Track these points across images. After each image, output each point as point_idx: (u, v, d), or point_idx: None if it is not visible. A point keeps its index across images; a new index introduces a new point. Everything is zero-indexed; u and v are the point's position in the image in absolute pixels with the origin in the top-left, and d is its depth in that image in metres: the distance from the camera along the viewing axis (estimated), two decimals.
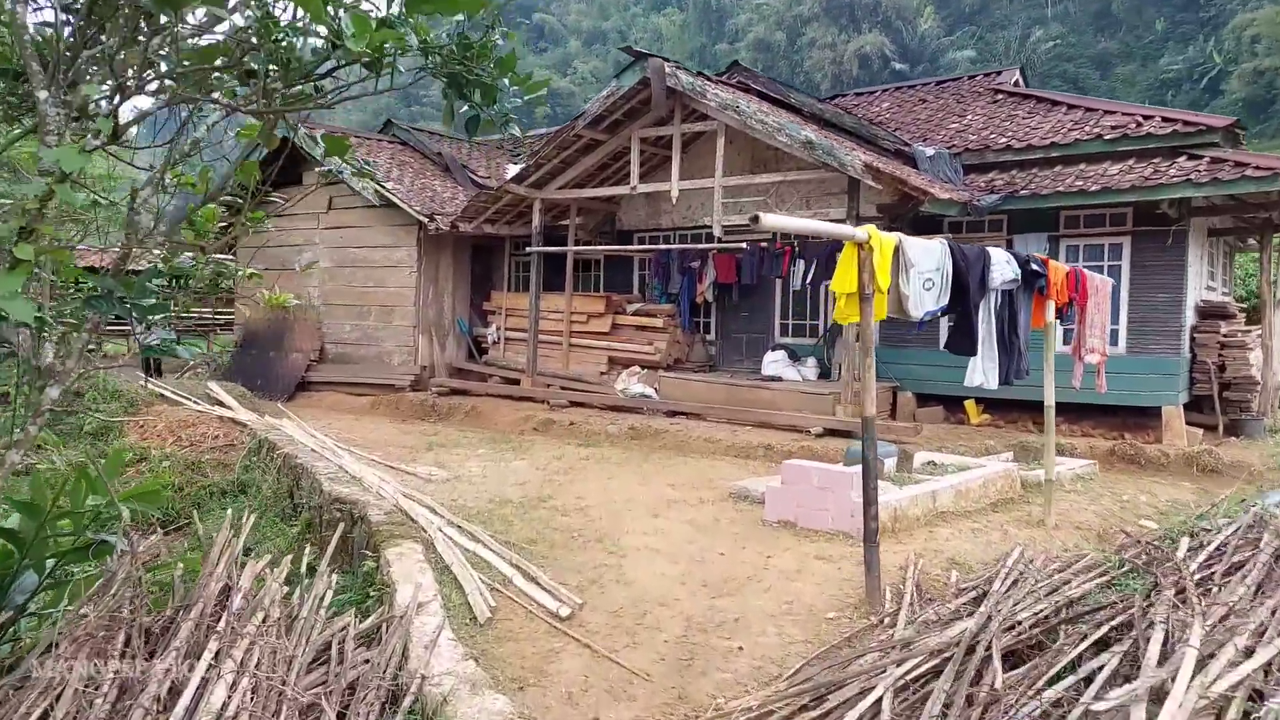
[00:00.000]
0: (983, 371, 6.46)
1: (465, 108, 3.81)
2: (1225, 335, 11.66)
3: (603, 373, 14.41)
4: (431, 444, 10.74)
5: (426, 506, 7.16)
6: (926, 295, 5.38)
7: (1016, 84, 15.89)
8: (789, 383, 12.59)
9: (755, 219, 4.14)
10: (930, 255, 5.38)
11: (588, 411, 13.00)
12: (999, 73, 16.56)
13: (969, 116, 13.98)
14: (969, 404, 12.25)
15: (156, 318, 2.87)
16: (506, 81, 3.70)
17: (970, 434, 11.44)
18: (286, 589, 4.19)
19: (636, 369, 13.93)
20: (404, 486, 7.93)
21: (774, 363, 13.17)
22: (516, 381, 14.88)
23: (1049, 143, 11.84)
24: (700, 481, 8.64)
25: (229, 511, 5.18)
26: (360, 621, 4.42)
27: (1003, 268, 6.15)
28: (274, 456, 9.26)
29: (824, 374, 13.35)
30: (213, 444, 11.05)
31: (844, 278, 4.83)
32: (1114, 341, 11.26)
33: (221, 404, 12.36)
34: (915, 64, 37.83)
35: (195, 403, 12.23)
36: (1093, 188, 10.79)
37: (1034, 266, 6.60)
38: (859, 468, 6.49)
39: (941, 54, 39.68)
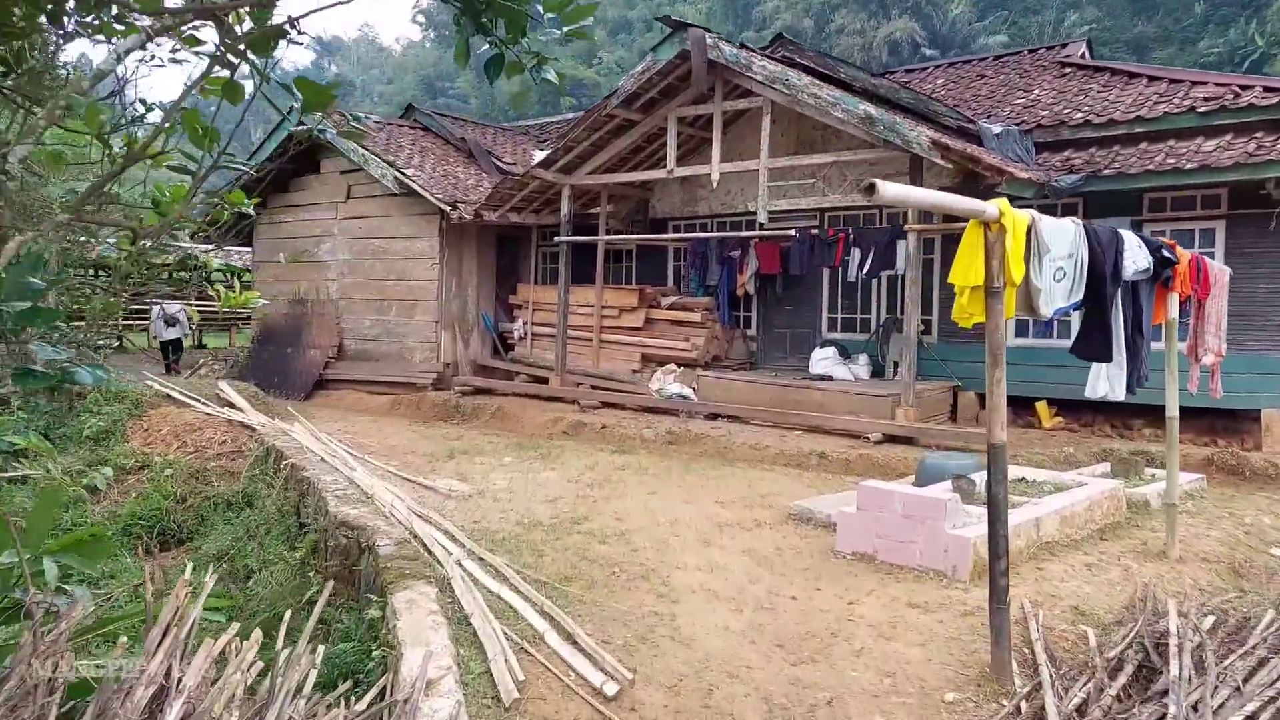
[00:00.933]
0: (1107, 379, 5.44)
1: (485, 45, 2.88)
2: None
3: (635, 370, 13.46)
4: (453, 451, 9.85)
5: (445, 532, 6.26)
6: (1057, 288, 4.36)
7: (1083, 57, 14.66)
8: (840, 382, 11.56)
9: (870, 188, 3.15)
10: (1063, 238, 4.35)
11: (620, 413, 12.06)
12: (1064, 45, 15.32)
13: (1036, 91, 12.81)
14: (1040, 406, 11.15)
15: (39, 328, 1.95)
16: (540, 7, 2.75)
17: (1043, 439, 10.36)
18: (261, 666, 3.28)
19: (672, 367, 12.96)
20: (420, 505, 7.04)
21: (823, 360, 12.14)
22: (544, 380, 13.97)
23: (1133, 117, 10.67)
24: (752, 498, 7.66)
25: (188, 568, 4.30)
26: (355, 700, 3.51)
27: (1135, 254, 5.12)
28: (281, 467, 8.41)
29: (877, 372, 12.30)
30: (219, 450, 10.25)
31: (966, 267, 3.83)
32: None
33: (232, 405, 11.57)
34: (946, 49, 36.37)
35: (204, 404, 11.45)
36: (1188, 165, 9.64)
37: (1165, 253, 5.54)
38: (949, 493, 5.49)
39: (973, 39, 38.15)
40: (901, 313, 12.37)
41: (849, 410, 10.65)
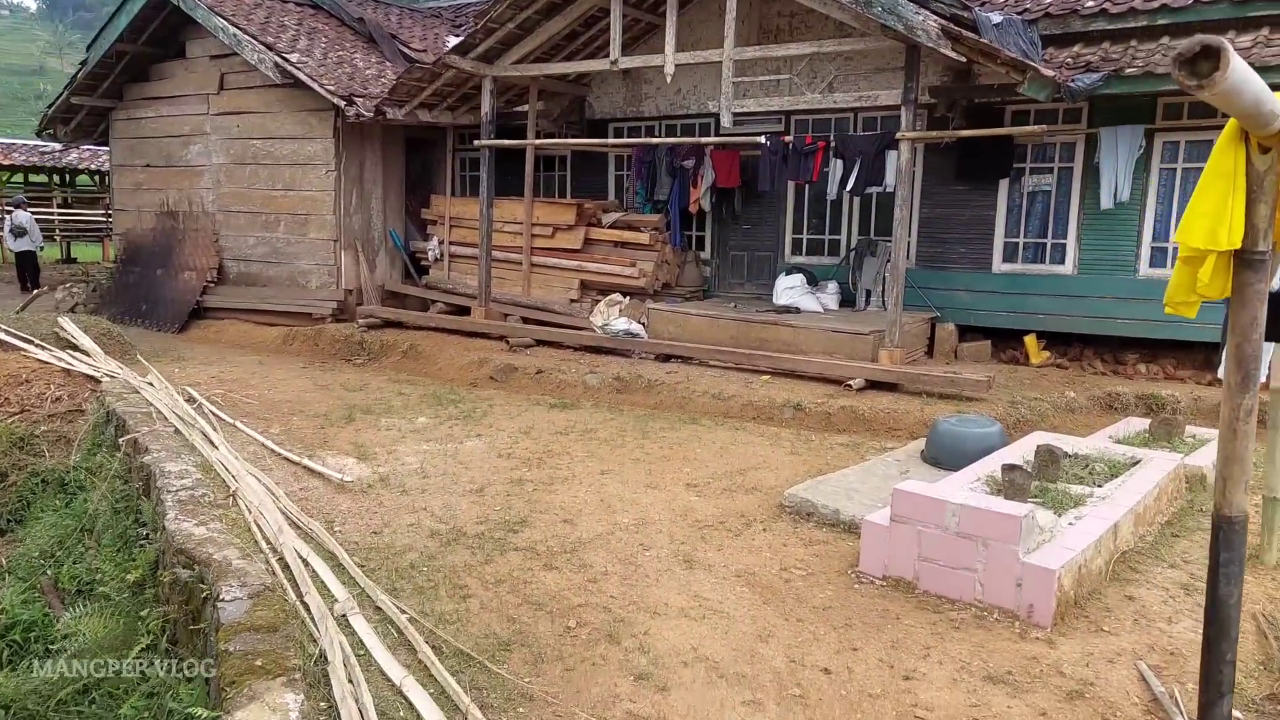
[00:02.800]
0: None
1: None
2: None
3: (574, 300, 11.69)
4: (353, 410, 8.02)
5: (326, 556, 4.56)
6: None
7: None
8: (810, 316, 10.06)
9: (1204, 58, 1.50)
10: None
11: (558, 354, 10.35)
12: None
13: None
14: (1029, 340, 9.91)
15: None
16: None
17: (1035, 379, 9.14)
18: None
19: (617, 297, 11.24)
20: (302, 503, 5.30)
21: (789, 289, 10.59)
22: (466, 311, 12.10)
23: (1158, 5, 9.12)
24: (729, 476, 6.15)
25: None
26: None
27: None
28: (121, 443, 6.50)
29: (847, 301, 10.85)
30: (53, 409, 8.21)
31: (1212, 213, 2.23)
32: None
33: (75, 348, 9.41)
34: None
35: (39, 347, 9.27)
36: None
37: None
38: (1024, 506, 4.05)
39: None
40: (878, 234, 10.88)
41: (824, 350, 9.19)
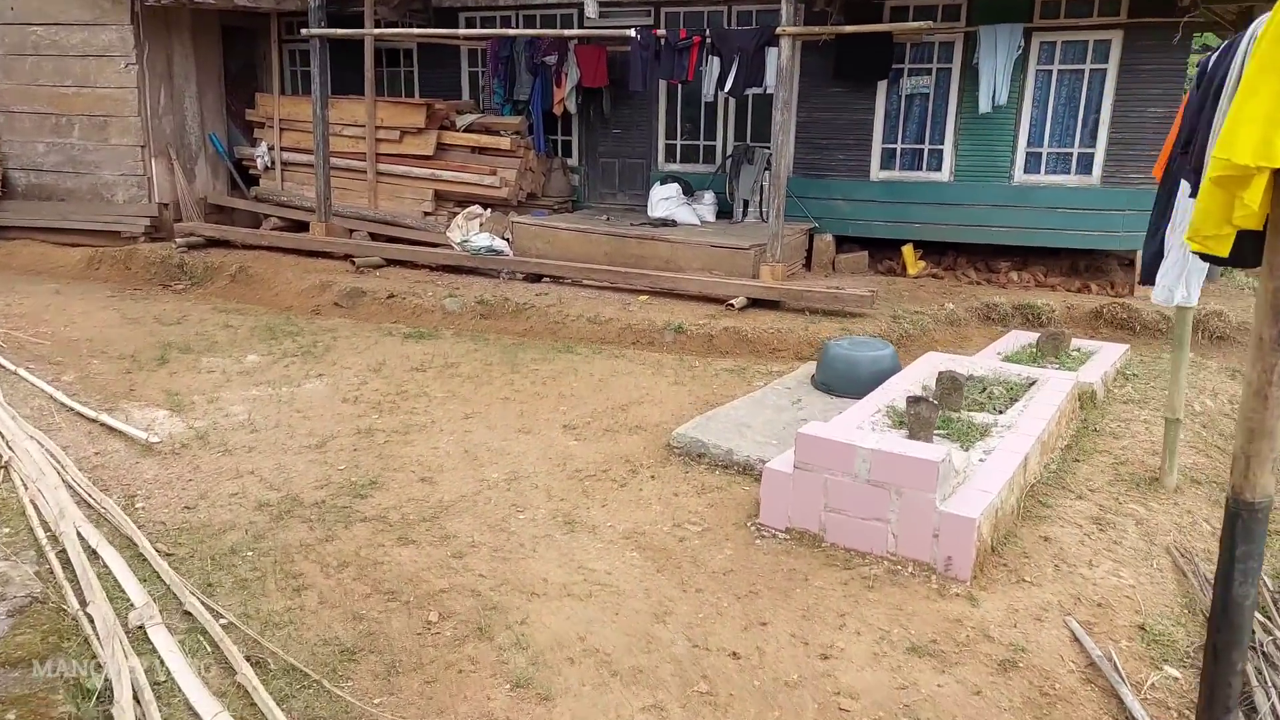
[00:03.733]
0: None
1: None
2: None
3: (428, 214, 10.61)
4: (168, 350, 6.87)
5: (124, 544, 3.69)
6: None
7: None
8: (688, 229, 9.47)
9: None
10: None
11: (412, 275, 9.34)
12: None
13: None
14: (907, 250, 9.73)
15: None
16: None
17: (913, 290, 8.98)
18: None
19: (477, 210, 10.25)
20: (91, 477, 4.34)
21: (665, 200, 9.92)
22: (305, 226, 10.79)
23: None
24: (610, 413, 5.57)
25: None
26: None
27: None
28: None
29: (724, 213, 10.31)
30: None
31: (1258, 119, 1.68)
32: (1086, 168, 8.92)
33: None
34: None
35: None
36: None
37: None
38: (939, 449, 3.67)
39: None
40: (755, 140, 10.31)
41: (703, 266, 8.65)
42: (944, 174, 9.51)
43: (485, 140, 10.48)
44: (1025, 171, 9.15)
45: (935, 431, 4.20)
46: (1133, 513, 4.07)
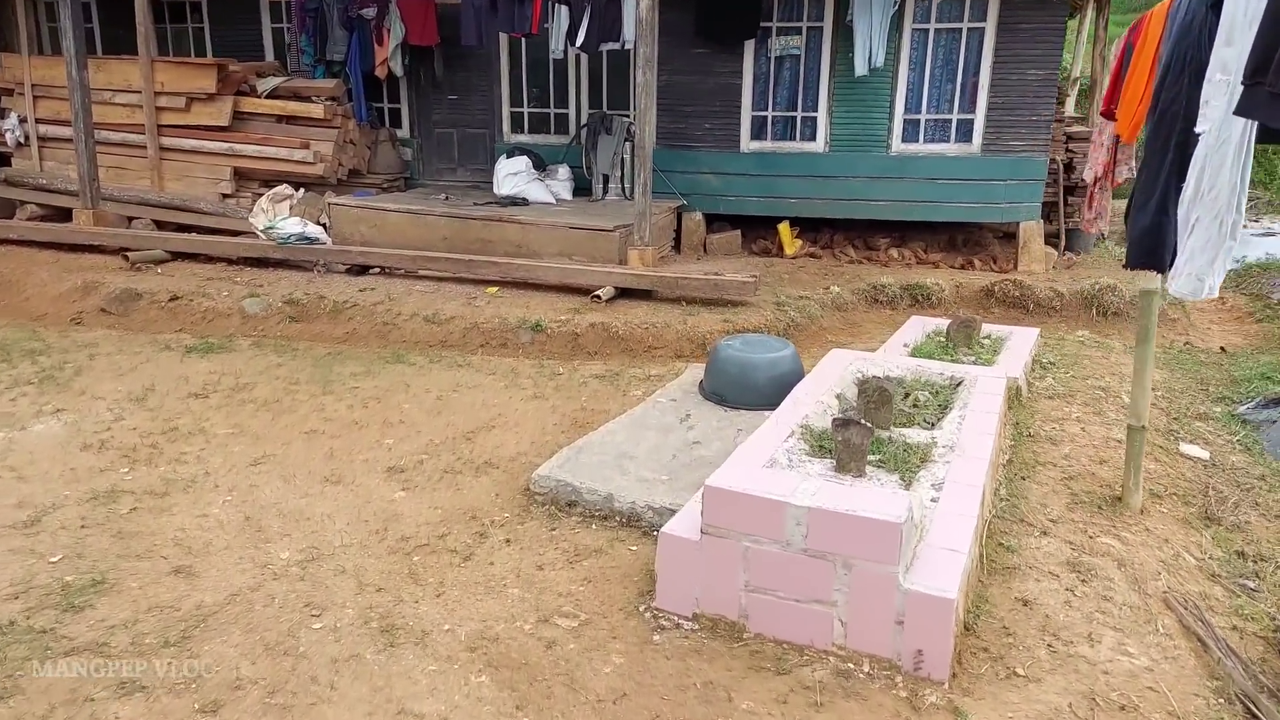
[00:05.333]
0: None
1: None
2: (1071, 127, 9.34)
3: (227, 196, 8.89)
4: None
5: None
6: None
7: None
8: (542, 209, 8.26)
9: None
10: None
11: (206, 271, 7.66)
12: None
13: None
14: (783, 228, 8.92)
15: None
16: None
17: (792, 271, 8.17)
18: None
19: (285, 190, 8.63)
20: None
21: (513, 176, 8.66)
22: (70, 214, 8.80)
23: None
24: (453, 443, 4.34)
25: None
26: None
27: None
28: None
29: (581, 189, 9.16)
30: None
31: None
32: (966, 136, 8.38)
33: None
34: None
35: None
36: None
37: None
38: (897, 501, 2.73)
39: None
40: (612, 107, 9.22)
41: (562, 251, 7.48)
42: (819, 144, 8.74)
43: (294, 108, 8.84)
44: (903, 140, 8.50)
45: (870, 465, 3.26)
46: (1109, 549, 3.28)
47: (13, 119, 9.55)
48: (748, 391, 4.39)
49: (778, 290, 7.28)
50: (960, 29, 8.21)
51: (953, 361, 4.74)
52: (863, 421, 3.13)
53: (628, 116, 8.99)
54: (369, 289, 7.08)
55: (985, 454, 3.33)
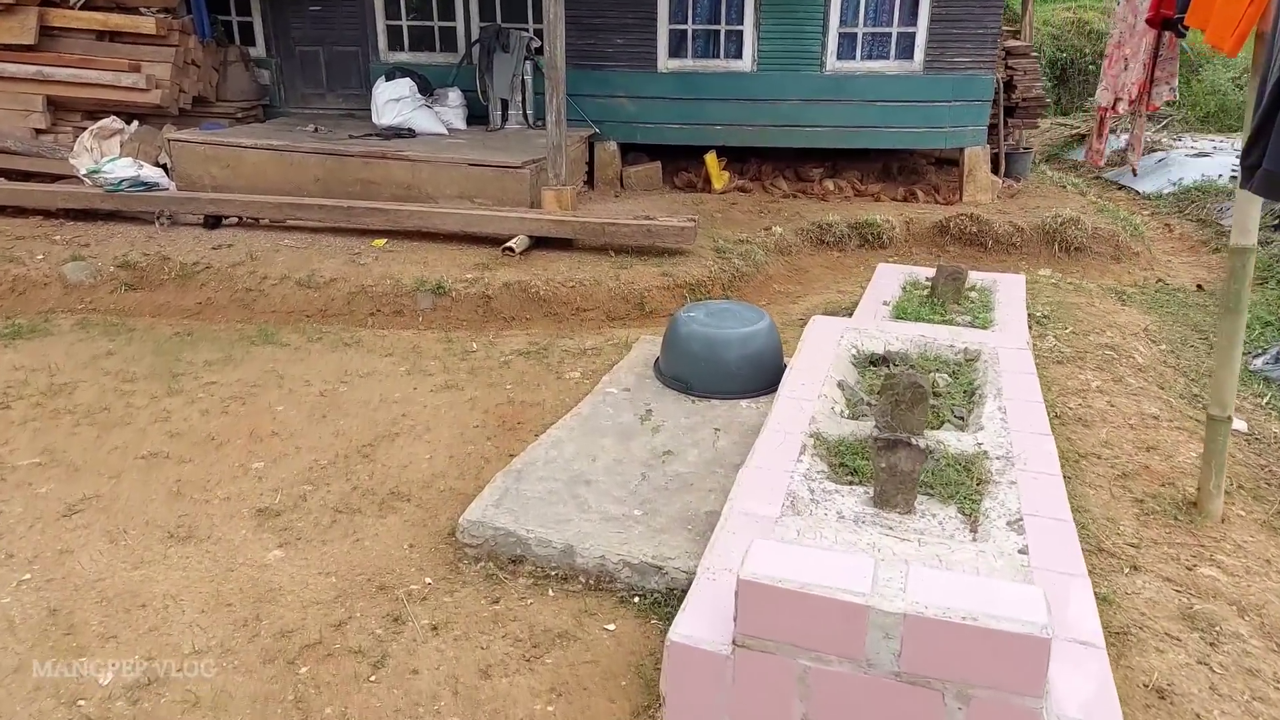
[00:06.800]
0: None
1: None
2: (1007, 41, 8.70)
3: (40, 131, 7.27)
4: None
5: None
6: None
7: None
8: (433, 141, 7.05)
9: None
10: None
11: (14, 227, 6.16)
12: None
13: None
14: (710, 160, 8.00)
15: None
16: None
17: (723, 209, 7.31)
18: None
19: (113, 123, 7.09)
20: None
21: (394, 102, 7.37)
22: None
23: None
24: (345, 464, 3.34)
25: None
26: None
27: None
28: None
29: (477, 118, 7.95)
30: None
31: None
32: (906, 53, 7.61)
33: None
34: None
35: None
36: None
37: None
38: (1036, 613, 1.90)
39: None
40: (509, 19, 7.99)
41: (461, 192, 6.35)
42: (745, 63, 7.78)
43: (118, 21, 7.21)
44: (839, 58, 7.64)
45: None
46: (1215, 585, 2.60)
47: None
48: (717, 375, 3.54)
49: (713, 233, 6.41)
50: None
51: (944, 321, 4.02)
52: (913, 441, 2.34)
53: (527, 31, 7.79)
54: (225, 245, 5.81)
55: (1054, 467, 2.61)
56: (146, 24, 7.20)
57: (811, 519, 2.18)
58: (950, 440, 2.78)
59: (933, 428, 2.90)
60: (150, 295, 5.38)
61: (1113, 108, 3.71)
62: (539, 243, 5.90)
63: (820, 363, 3.26)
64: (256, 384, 4.08)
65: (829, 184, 7.98)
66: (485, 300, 5.27)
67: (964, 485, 2.53)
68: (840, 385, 3.10)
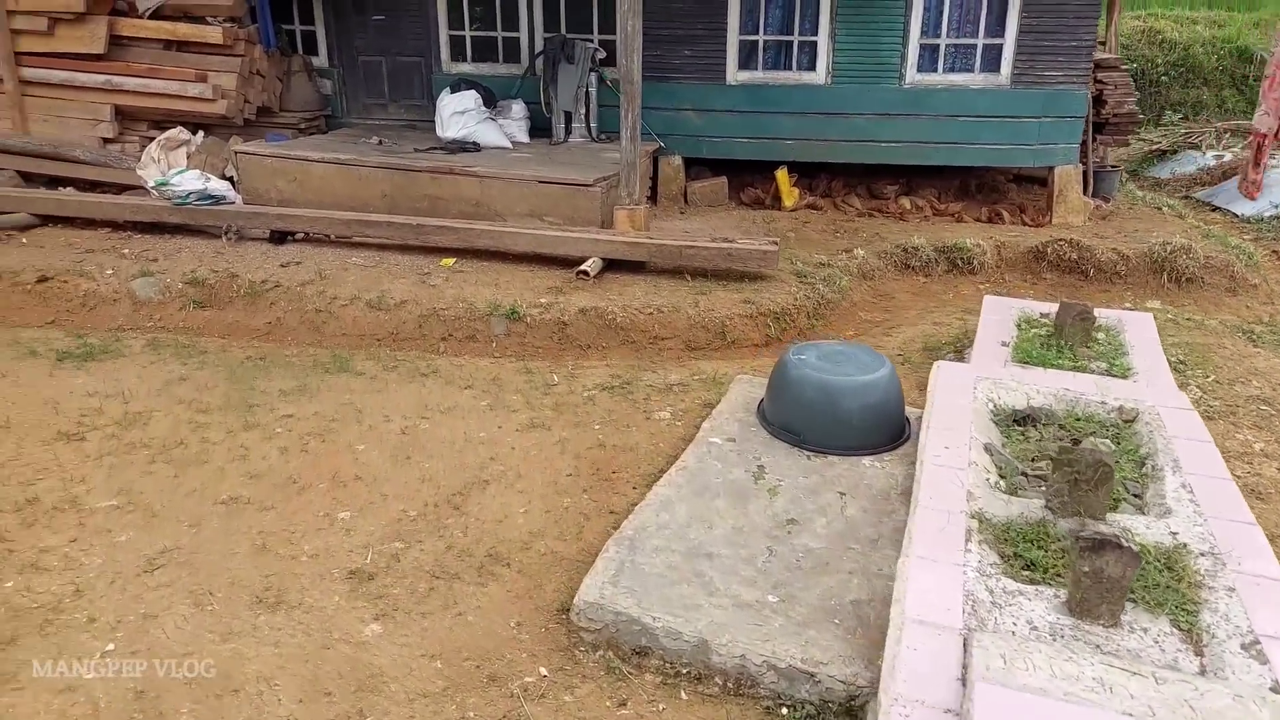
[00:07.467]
0: None
1: None
2: (1102, 54, 8.30)
3: (109, 140, 7.22)
4: None
5: None
6: None
7: None
8: (499, 156, 6.86)
9: None
10: None
11: (86, 238, 6.09)
12: None
13: None
14: (781, 176, 7.70)
15: None
16: None
17: (798, 229, 7.00)
18: None
19: (180, 133, 7.00)
20: None
21: (460, 115, 7.19)
22: None
23: None
24: (435, 517, 3.13)
25: None
26: None
27: None
28: None
29: (539, 129, 7.74)
30: None
31: None
32: (992, 65, 7.26)
33: None
34: None
35: None
36: None
37: None
38: None
39: None
40: (573, 30, 7.78)
41: (531, 210, 6.15)
42: (819, 75, 7.49)
43: (185, 31, 7.12)
44: (920, 70, 7.32)
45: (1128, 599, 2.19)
46: None
47: None
48: (834, 427, 3.28)
49: (790, 254, 6.12)
50: None
51: (1076, 368, 3.71)
52: (1123, 543, 2.04)
53: (592, 42, 7.57)
54: (294, 263, 5.66)
55: (1276, 569, 2.29)
56: (213, 34, 7.10)
57: (1012, 640, 1.89)
58: (1138, 527, 2.47)
59: (1109, 508, 2.60)
60: (219, 314, 5.24)
61: (1276, 134, 3.37)
62: (610, 264, 5.66)
63: (959, 420, 2.98)
64: (334, 418, 3.90)
65: (905, 202, 7.66)
66: (561, 326, 5.05)
67: (1172, 590, 2.21)
68: (988, 449, 2.82)
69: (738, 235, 6.07)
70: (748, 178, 7.98)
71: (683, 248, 5.57)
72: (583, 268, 5.45)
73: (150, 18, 7.20)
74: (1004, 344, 4.02)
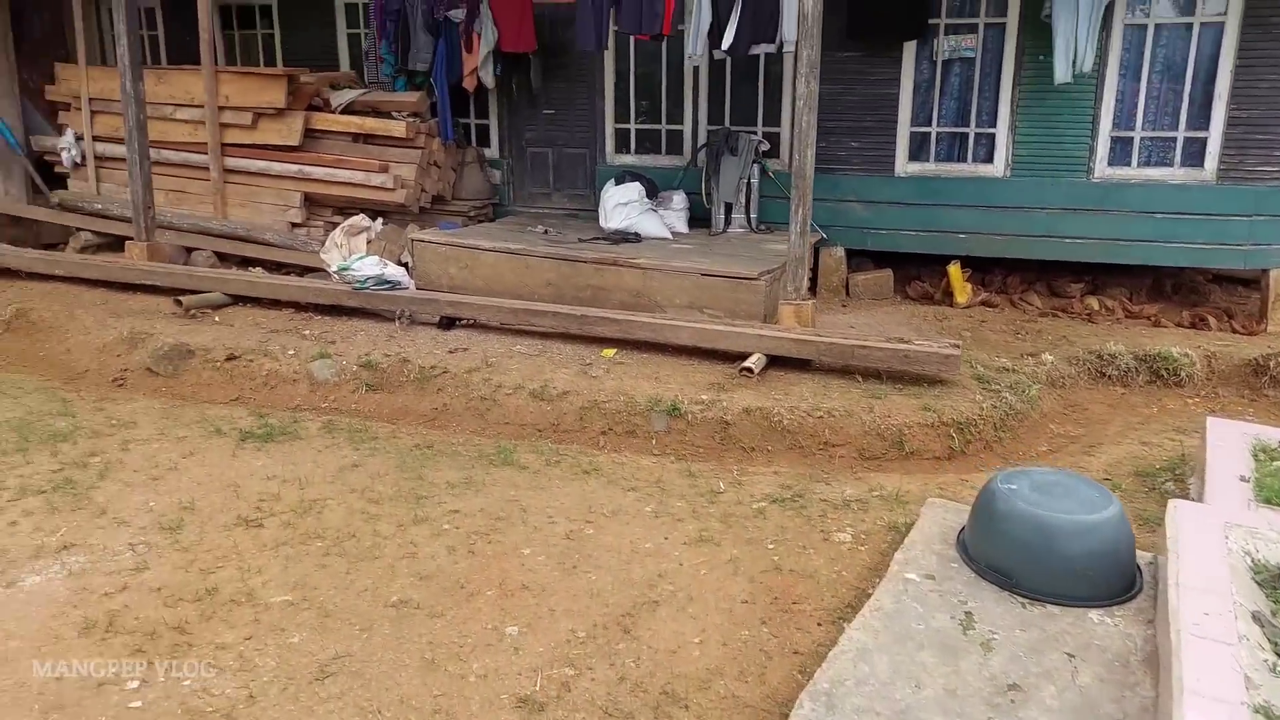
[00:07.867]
0: None
1: None
2: None
3: (296, 225, 7.75)
4: None
5: None
6: None
7: None
8: (659, 246, 6.87)
9: None
10: None
11: (271, 318, 6.46)
12: None
13: None
14: (953, 271, 7.31)
15: None
16: None
17: (973, 328, 6.55)
18: None
19: (361, 220, 7.42)
20: None
21: (623, 206, 7.28)
22: (124, 243, 7.74)
23: None
24: (606, 640, 2.95)
25: None
26: None
27: None
28: None
29: (698, 220, 7.73)
30: None
31: None
32: (1195, 159, 6.68)
33: None
34: None
35: None
36: None
37: None
38: None
39: None
40: (737, 122, 7.80)
41: (691, 302, 6.06)
42: (997, 167, 7.15)
43: (371, 125, 7.63)
44: (1110, 164, 6.85)
45: None
46: None
47: (69, 136, 8.58)
48: (1054, 573, 2.89)
49: (968, 356, 5.71)
50: (1190, 23, 6.53)
51: None
52: None
53: (754, 134, 7.56)
54: (461, 349, 5.76)
55: None
56: (398, 128, 7.55)
57: None
58: None
59: None
60: (390, 397, 5.37)
61: None
62: (773, 361, 5.45)
63: (1216, 579, 2.55)
64: (500, 516, 3.82)
65: (1093, 302, 7.09)
66: (723, 426, 4.85)
67: None
68: (1256, 619, 2.38)
69: (911, 334, 5.75)
70: (913, 270, 7.65)
71: (854, 347, 5.30)
72: (746, 364, 5.26)
73: (343, 112, 7.75)
74: (1243, 479, 3.50)
